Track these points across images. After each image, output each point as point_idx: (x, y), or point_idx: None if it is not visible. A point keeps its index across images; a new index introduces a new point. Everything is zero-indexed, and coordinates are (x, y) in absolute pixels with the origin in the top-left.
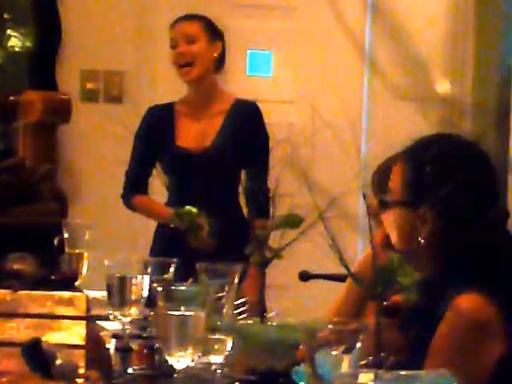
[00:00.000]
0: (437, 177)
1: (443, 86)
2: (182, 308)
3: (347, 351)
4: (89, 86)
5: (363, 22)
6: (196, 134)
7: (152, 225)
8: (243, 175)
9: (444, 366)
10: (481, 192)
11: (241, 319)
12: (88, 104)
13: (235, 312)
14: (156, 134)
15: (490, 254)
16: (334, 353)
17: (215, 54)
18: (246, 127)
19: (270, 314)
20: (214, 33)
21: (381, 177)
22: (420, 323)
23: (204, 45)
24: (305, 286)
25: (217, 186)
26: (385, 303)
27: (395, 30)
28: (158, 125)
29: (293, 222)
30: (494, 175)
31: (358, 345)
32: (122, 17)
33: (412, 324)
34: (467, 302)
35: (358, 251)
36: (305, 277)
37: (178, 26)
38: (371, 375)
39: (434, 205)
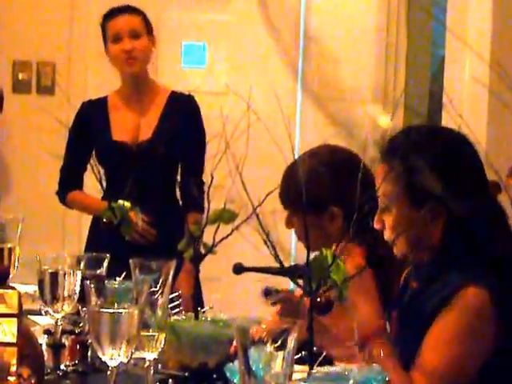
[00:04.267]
0: (433, 172)
1: (376, 80)
2: (115, 304)
3: (281, 348)
4: (21, 76)
5: (297, 13)
6: (132, 127)
7: (86, 219)
8: (180, 169)
9: (447, 353)
10: (475, 178)
11: (175, 314)
12: (20, 95)
13: (169, 307)
14: (90, 128)
15: (491, 246)
16: (267, 349)
17: (153, 48)
18: (183, 120)
19: (205, 309)
20: (150, 25)
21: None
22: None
23: (146, 39)
24: (239, 279)
25: (153, 179)
26: (318, 299)
27: (328, 23)
28: (92, 119)
29: (227, 216)
30: (479, 158)
31: (292, 342)
32: (54, 8)
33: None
34: (475, 295)
35: (292, 246)
36: (239, 270)
37: (121, 20)
38: (304, 374)
39: (438, 200)
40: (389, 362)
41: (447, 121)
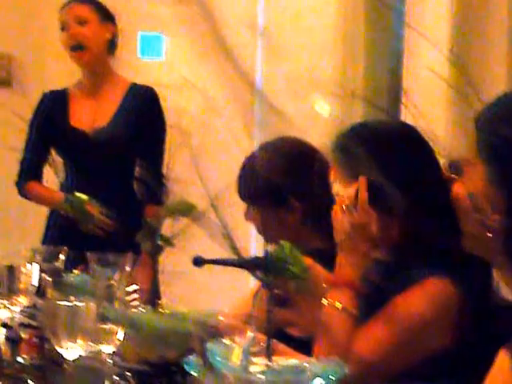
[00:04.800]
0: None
1: (334, 73)
2: (72, 297)
3: (238, 340)
4: None
5: (254, 7)
6: (90, 115)
7: (45, 212)
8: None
9: (396, 327)
10: (428, 170)
11: (133, 307)
12: None
13: (127, 300)
14: (50, 119)
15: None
16: (225, 342)
17: (107, 36)
18: (142, 112)
19: (163, 301)
20: (105, 15)
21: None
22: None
23: (95, 26)
24: (199, 272)
25: (110, 170)
26: (276, 291)
27: (288, 15)
28: (52, 110)
29: (185, 209)
30: (431, 149)
31: (250, 335)
32: None
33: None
34: (439, 283)
35: (252, 238)
36: (199, 262)
37: (69, 9)
38: (263, 366)
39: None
40: (341, 315)
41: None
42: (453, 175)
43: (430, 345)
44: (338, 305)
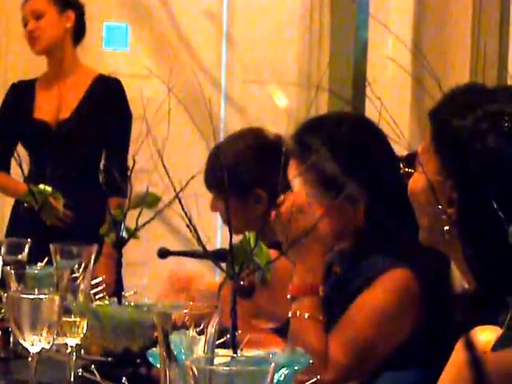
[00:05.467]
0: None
1: (299, 64)
2: (36, 290)
3: (203, 332)
4: None
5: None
6: (54, 106)
7: (9, 203)
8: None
9: (364, 324)
10: (386, 160)
11: (97, 299)
12: None
13: (91, 292)
14: (16, 109)
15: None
16: (189, 333)
17: (68, 25)
18: (107, 103)
19: (128, 293)
20: (65, 3)
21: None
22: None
23: (52, 17)
24: (163, 263)
25: (75, 161)
26: (241, 283)
27: (252, 6)
28: (19, 100)
29: (149, 201)
30: (387, 141)
31: (214, 326)
32: None
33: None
34: (401, 273)
35: (218, 229)
36: (164, 254)
37: (27, 4)
38: (227, 358)
39: (361, 184)
40: (310, 323)
41: (370, 106)
42: (408, 169)
43: (399, 336)
44: (305, 314)
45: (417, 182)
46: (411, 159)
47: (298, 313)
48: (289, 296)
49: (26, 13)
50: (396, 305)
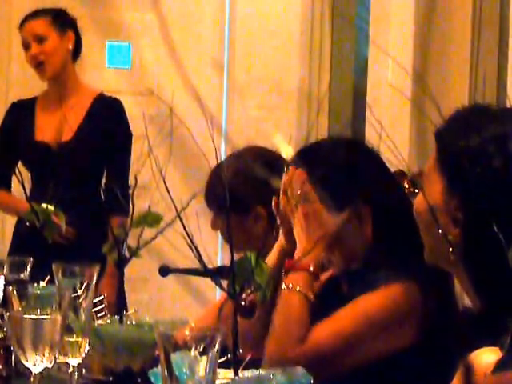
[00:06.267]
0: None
1: (300, 84)
2: (38, 309)
3: (204, 352)
4: None
5: (223, 16)
6: (55, 128)
7: (10, 221)
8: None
9: (350, 321)
10: (385, 178)
11: (99, 318)
12: None
13: (94, 311)
14: (16, 129)
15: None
16: (191, 354)
17: (70, 46)
18: (107, 123)
19: (130, 312)
20: (64, 24)
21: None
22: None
23: (55, 40)
24: (165, 279)
25: (76, 181)
26: (242, 302)
27: (252, 28)
28: (19, 120)
29: (151, 220)
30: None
31: (216, 346)
32: None
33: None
34: (404, 287)
35: (218, 247)
36: (165, 271)
37: (27, 26)
38: (229, 378)
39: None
40: (299, 297)
41: (369, 128)
42: (414, 189)
43: (389, 344)
44: (297, 287)
45: (422, 201)
46: (417, 179)
47: (290, 285)
48: (283, 271)
49: (27, 35)
50: (392, 312)
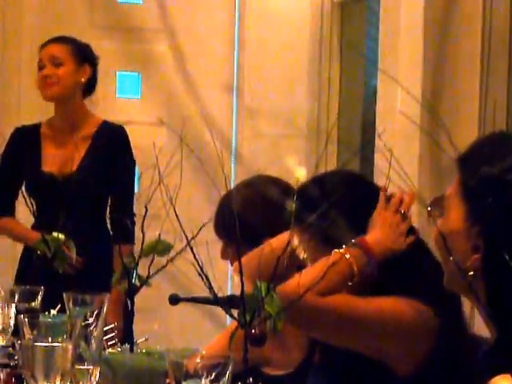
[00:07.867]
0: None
1: (309, 113)
2: (49, 338)
3: (215, 381)
4: None
5: (231, 45)
6: (61, 159)
7: (17, 249)
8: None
9: (361, 309)
10: None
11: (110, 346)
12: None
13: (104, 339)
14: (21, 156)
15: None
16: (202, 382)
17: (82, 79)
18: (111, 151)
19: (140, 340)
20: (84, 57)
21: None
22: None
23: (70, 68)
24: (174, 308)
25: (82, 211)
26: (253, 331)
27: (261, 57)
28: (24, 147)
29: (161, 248)
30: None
31: (227, 374)
32: None
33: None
34: (421, 305)
35: (228, 276)
36: (174, 300)
37: (48, 48)
38: None
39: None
40: (344, 268)
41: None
42: (435, 214)
43: (383, 351)
44: (347, 256)
45: (443, 227)
46: (437, 204)
47: (347, 255)
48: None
49: (44, 56)
50: (405, 313)
